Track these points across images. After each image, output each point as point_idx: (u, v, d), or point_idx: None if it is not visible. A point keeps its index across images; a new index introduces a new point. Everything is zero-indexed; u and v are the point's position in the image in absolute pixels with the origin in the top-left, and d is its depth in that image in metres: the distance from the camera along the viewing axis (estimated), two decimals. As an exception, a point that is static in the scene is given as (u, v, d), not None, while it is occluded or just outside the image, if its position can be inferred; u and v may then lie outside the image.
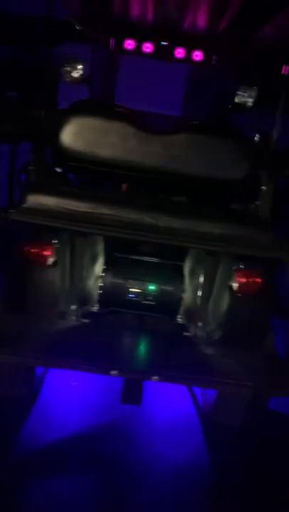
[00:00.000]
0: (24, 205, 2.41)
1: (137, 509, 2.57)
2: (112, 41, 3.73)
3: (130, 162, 2.69)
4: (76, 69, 4.11)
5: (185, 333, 2.72)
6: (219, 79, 4.65)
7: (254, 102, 3.92)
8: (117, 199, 2.60)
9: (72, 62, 4.01)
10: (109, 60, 4.27)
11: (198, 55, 3.73)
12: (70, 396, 3.33)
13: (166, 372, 2.30)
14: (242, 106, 3.94)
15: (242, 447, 2.95)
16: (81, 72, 4.10)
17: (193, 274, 2.79)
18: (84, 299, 2.75)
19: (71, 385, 3.44)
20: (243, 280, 2.53)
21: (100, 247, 2.78)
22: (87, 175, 2.86)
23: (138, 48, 3.73)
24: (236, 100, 3.88)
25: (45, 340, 2.44)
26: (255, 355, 2.53)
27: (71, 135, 2.66)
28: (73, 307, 2.69)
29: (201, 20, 3.48)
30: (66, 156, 2.70)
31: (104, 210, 2.44)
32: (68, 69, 4.00)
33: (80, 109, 2.84)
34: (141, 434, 3.06)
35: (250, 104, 3.96)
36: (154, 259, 2.89)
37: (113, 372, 2.26)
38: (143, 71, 5.63)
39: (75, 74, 4.09)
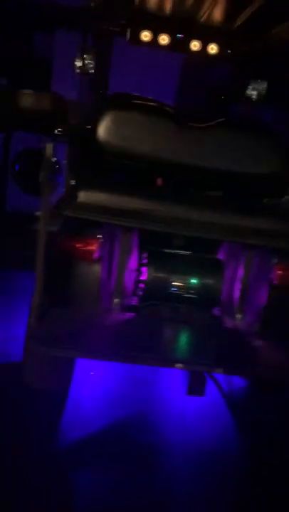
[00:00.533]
0: (78, 202, 2.40)
1: (174, 497, 2.63)
2: (128, 32, 3.72)
3: (170, 157, 2.71)
4: (84, 59, 4.06)
5: (225, 326, 2.78)
6: (222, 71, 4.69)
7: (263, 96, 4.01)
8: (166, 195, 2.62)
9: (82, 53, 3.96)
10: (107, 50, 4.23)
11: (213, 49, 3.77)
12: (90, 386, 3.36)
13: (228, 364, 2.35)
14: (251, 99, 4.01)
15: (271, 433, 3.06)
16: (89, 61, 4.06)
17: (231, 267, 2.86)
18: (126, 293, 2.78)
19: (90, 374, 3.47)
20: (282, 272, 2.62)
21: (140, 241, 2.79)
22: (122, 170, 2.86)
23: (154, 39, 3.73)
24: (247, 93, 3.95)
25: (100, 335, 2.45)
26: None
27: (113, 130, 2.64)
28: (116, 301, 2.71)
29: (218, 13, 3.52)
30: (106, 151, 2.68)
31: (158, 207, 2.47)
32: (76, 59, 3.95)
33: (120, 103, 2.82)
34: (168, 422, 3.13)
35: (255, 97, 4.05)
36: (191, 253, 2.95)
37: (178, 365, 2.30)
38: (138, 61, 5.64)
39: (79, 63, 4.04)
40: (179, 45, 3.78)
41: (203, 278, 2.77)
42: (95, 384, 3.36)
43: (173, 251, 2.86)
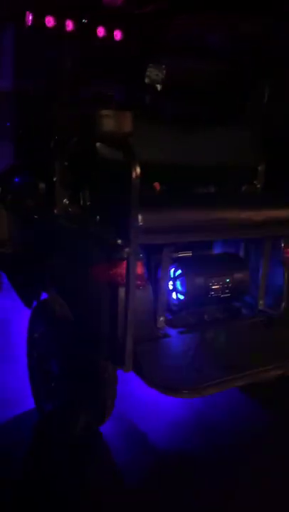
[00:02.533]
0: (144, 227, 2.19)
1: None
2: (29, 17, 3.34)
3: (173, 159, 2.74)
4: None
5: (254, 316, 2.82)
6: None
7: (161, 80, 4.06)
8: (211, 200, 2.60)
9: None
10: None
11: (118, 35, 3.66)
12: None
13: None
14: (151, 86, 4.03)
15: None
16: None
17: (251, 259, 2.90)
18: (169, 308, 2.63)
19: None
20: None
21: (166, 251, 2.62)
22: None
23: (58, 25, 3.44)
24: (147, 80, 3.96)
25: (196, 362, 2.29)
26: None
27: None
28: (162, 319, 2.55)
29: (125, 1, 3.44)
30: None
31: (216, 215, 2.43)
32: None
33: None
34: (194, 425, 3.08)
35: (152, 81, 4.08)
36: (215, 252, 2.95)
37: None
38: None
39: None
40: (84, 31, 3.56)
41: (233, 274, 2.76)
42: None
43: (196, 253, 2.82)
